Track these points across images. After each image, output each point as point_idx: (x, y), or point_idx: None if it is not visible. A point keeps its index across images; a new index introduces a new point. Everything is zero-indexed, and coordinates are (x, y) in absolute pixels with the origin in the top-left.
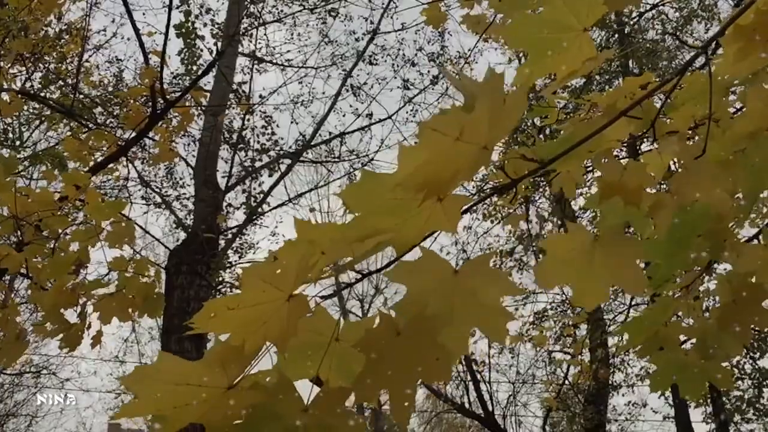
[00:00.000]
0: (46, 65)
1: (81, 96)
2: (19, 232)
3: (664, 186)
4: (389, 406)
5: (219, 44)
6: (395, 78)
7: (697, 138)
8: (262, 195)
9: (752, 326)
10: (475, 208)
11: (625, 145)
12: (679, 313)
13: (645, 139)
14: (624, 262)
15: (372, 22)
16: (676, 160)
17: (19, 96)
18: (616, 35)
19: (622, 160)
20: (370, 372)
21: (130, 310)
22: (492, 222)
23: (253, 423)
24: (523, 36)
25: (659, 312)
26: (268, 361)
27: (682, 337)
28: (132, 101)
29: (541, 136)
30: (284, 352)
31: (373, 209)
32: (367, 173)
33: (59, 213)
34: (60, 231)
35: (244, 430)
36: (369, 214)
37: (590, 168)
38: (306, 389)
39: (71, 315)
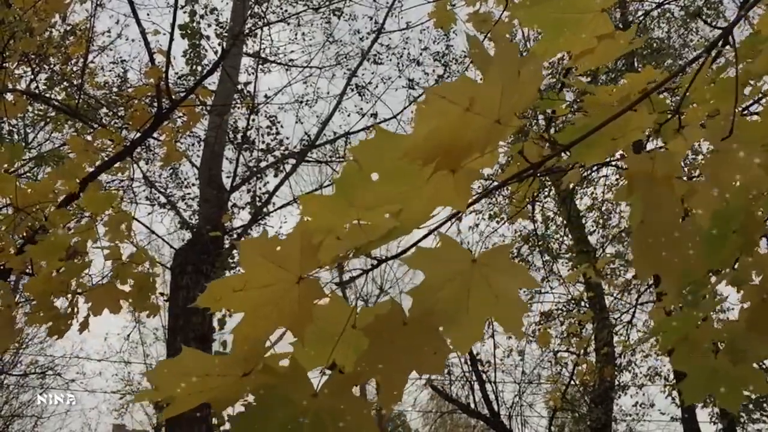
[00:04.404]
0: (51, 66)
1: (86, 97)
2: (19, 229)
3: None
4: (380, 391)
5: (224, 44)
6: (400, 77)
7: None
8: (266, 195)
9: None
10: (480, 208)
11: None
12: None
13: (650, 139)
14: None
15: (377, 22)
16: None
17: (24, 97)
18: None
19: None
20: (371, 356)
21: (121, 301)
22: (498, 222)
23: (264, 407)
24: (538, 15)
25: (693, 316)
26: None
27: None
28: (137, 101)
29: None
30: (301, 338)
31: (383, 170)
32: (381, 131)
33: (63, 208)
34: (62, 225)
35: (256, 414)
36: (378, 179)
37: (597, 168)
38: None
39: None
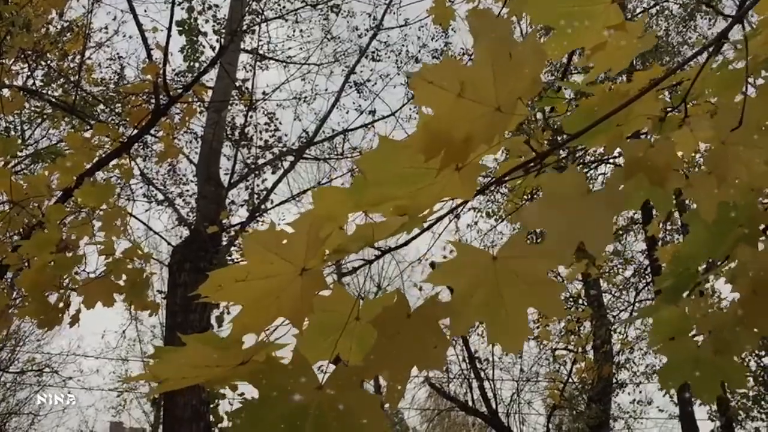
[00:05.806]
0: (48, 63)
1: (83, 93)
2: (14, 224)
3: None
4: (382, 387)
5: (221, 41)
6: (398, 74)
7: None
8: (264, 192)
9: None
10: (479, 205)
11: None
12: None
13: (649, 136)
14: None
15: (375, 18)
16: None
17: (21, 93)
18: None
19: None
20: (377, 350)
21: (116, 295)
22: (496, 220)
23: (266, 401)
24: (547, 9)
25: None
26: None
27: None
28: (134, 97)
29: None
30: (300, 329)
31: (389, 178)
32: (384, 139)
33: (60, 204)
34: (58, 221)
35: (258, 407)
36: (384, 183)
37: (595, 165)
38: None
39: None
